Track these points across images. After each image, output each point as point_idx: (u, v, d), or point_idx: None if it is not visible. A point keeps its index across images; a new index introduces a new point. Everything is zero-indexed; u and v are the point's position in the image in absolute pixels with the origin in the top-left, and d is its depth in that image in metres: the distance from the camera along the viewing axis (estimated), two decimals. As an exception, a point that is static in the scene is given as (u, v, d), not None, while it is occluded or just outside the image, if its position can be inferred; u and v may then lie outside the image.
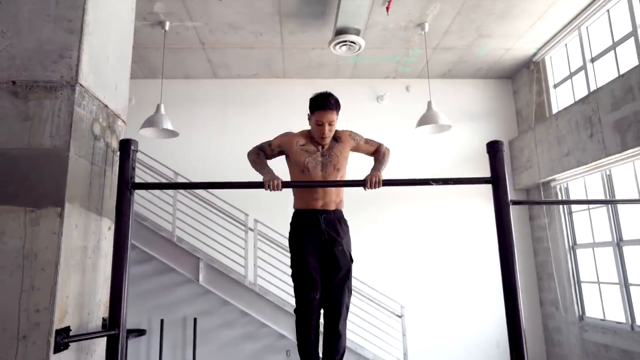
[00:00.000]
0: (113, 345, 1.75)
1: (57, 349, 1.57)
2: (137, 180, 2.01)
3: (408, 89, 6.53)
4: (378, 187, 2.18)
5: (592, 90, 4.97)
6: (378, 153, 2.62)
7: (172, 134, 5.03)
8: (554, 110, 5.79)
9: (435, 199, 6.17)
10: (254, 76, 6.42)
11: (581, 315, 5.29)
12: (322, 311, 2.53)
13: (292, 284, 2.57)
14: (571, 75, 5.54)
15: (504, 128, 6.57)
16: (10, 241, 1.62)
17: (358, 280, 5.17)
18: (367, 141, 2.64)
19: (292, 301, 2.66)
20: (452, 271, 6.02)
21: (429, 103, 4.97)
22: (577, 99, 5.19)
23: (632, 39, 4.43)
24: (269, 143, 2.60)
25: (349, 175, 2.68)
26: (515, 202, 2.12)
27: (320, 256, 2.48)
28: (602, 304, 4.99)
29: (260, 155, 2.57)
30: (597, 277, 5.09)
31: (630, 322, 4.50)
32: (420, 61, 6.01)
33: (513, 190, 6.28)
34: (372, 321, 5.32)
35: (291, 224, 2.59)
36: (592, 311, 5.19)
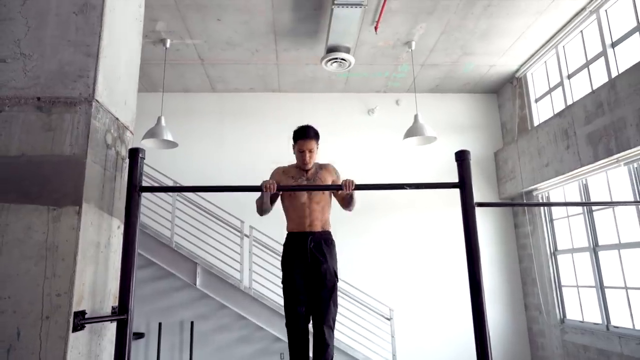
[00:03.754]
0: (122, 328, 1.99)
1: (75, 329, 1.81)
2: (142, 186, 2.26)
3: (398, 102, 6.83)
4: (352, 189, 2.38)
5: (568, 104, 5.28)
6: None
7: (172, 144, 5.29)
8: (535, 123, 6.10)
9: (421, 208, 6.44)
10: (250, 90, 6.73)
11: (562, 318, 5.52)
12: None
13: None
14: (550, 90, 5.86)
15: (490, 140, 6.86)
16: (35, 235, 1.86)
17: (349, 285, 5.41)
18: None
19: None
20: (439, 275, 6.26)
21: (416, 116, 5.26)
22: (555, 113, 5.50)
23: (602, 58, 4.76)
24: None
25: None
26: (480, 204, 2.37)
27: (307, 274, 2.80)
28: (581, 306, 5.24)
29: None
30: (576, 281, 5.34)
31: (606, 323, 4.74)
32: (408, 77, 6.32)
33: (499, 199, 6.56)
34: (362, 324, 5.54)
35: (284, 245, 2.94)
36: (573, 314, 5.43)
